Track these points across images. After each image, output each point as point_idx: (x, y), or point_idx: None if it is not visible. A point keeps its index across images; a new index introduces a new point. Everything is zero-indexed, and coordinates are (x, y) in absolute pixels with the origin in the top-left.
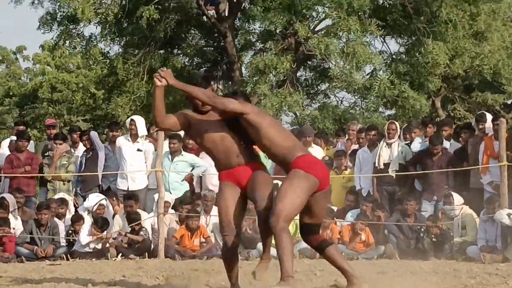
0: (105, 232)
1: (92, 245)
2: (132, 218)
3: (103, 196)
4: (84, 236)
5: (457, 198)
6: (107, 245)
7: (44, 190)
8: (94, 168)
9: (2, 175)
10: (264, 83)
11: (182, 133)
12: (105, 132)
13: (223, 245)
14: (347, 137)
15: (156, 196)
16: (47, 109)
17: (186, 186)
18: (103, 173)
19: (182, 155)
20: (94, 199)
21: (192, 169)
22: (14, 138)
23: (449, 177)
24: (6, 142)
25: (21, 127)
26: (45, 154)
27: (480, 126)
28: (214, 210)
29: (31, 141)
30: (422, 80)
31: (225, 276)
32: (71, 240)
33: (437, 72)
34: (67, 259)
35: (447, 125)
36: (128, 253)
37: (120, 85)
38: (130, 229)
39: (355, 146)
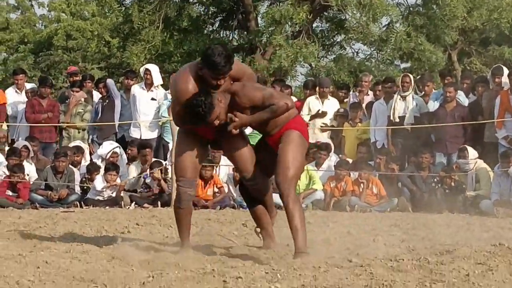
0: (118, 180)
1: (106, 194)
2: (152, 167)
3: (117, 144)
4: (99, 182)
5: (472, 152)
6: (122, 193)
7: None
8: (111, 116)
9: (14, 124)
10: (279, 34)
11: None
12: (119, 81)
13: (176, 197)
14: (359, 89)
15: (170, 145)
16: (62, 56)
17: None
18: (119, 123)
19: None
20: (108, 146)
21: None
22: (29, 85)
23: (464, 130)
24: (11, 90)
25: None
26: (63, 102)
27: (496, 80)
28: (223, 160)
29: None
30: (439, 33)
31: (238, 225)
32: (85, 187)
33: (454, 25)
34: (81, 207)
35: (468, 78)
36: (142, 202)
37: (135, 33)
38: (149, 177)
39: (368, 98)
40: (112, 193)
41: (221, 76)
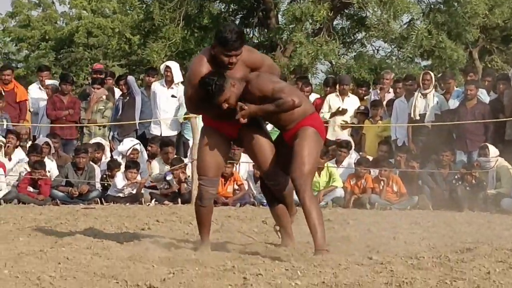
0: (139, 177)
1: (126, 191)
2: (173, 164)
3: (137, 141)
4: (120, 180)
5: (493, 150)
6: (142, 190)
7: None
8: (131, 113)
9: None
10: (300, 31)
11: None
12: (140, 78)
13: (198, 195)
14: (380, 86)
15: (190, 142)
16: (83, 53)
17: None
18: (139, 121)
19: None
20: (128, 143)
21: None
22: (50, 82)
23: (485, 128)
24: (34, 86)
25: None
26: (85, 99)
27: None
28: (244, 157)
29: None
30: (460, 30)
31: (258, 222)
32: (106, 184)
33: (476, 22)
34: (101, 203)
35: (489, 76)
36: (162, 199)
37: (155, 31)
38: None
39: (389, 96)
40: (132, 190)
41: (232, 52)
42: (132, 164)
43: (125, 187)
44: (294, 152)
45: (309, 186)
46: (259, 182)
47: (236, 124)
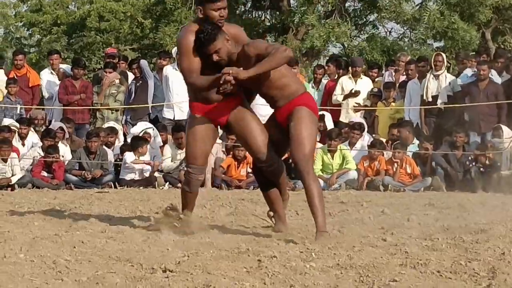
0: (148, 156)
1: (137, 170)
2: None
3: (151, 125)
4: (129, 156)
5: (506, 131)
6: (156, 173)
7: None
8: (144, 97)
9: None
10: (312, 13)
11: None
12: (152, 62)
13: (186, 182)
14: (395, 68)
15: None
16: (95, 38)
17: None
18: (152, 105)
19: None
20: (141, 126)
21: None
22: (63, 66)
23: (498, 109)
24: (46, 71)
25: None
26: (97, 83)
27: None
28: None
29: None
30: (473, 11)
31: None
32: (119, 169)
33: (488, 3)
34: (115, 187)
35: (501, 57)
36: (176, 182)
37: (167, 14)
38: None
39: (402, 78)
40: (145, 172)
41: (219, 3)
42: (140, 141)
43: (135, 164)
44: (293, 135)
45: (311, 168)
46: None
47: (226, 108)
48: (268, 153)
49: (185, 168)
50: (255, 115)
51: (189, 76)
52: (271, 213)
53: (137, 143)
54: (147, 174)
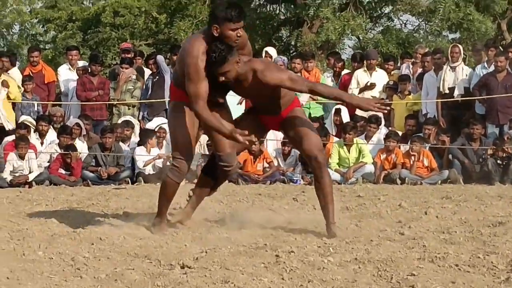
0: (157, 150)
1: (151, 168)
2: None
3: (166, 120)
4: (140, 149)
5: None
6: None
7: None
8: (161, 92)
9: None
10: (327, 7)
11: None
12: (167, 57)
13: (174, 173)
14: (413, 60)
15: None
16: (110, 33)
17: (242, 109)
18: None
19: None
20: (157, 121)
21: None
22: (81, 63)
23: None
24: (64, 67)
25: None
26: (114, 79)
27: None
28: (271, 134)
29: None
30: (488, 2)
31: (289, 199)
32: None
33: None
34: (132, 183)
35: None
36: (192, 177)
37: (182, 9)
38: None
39: (420, 70)
40: (157, 164)
41: (238, 24)
42: (149, 132)
43: (146, 155)
44: (303, 133)
45: (326, 161)
46: (288, 159)
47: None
48: (231, 153)
49: (174, 158)
50: (229, 110)
51: (195, 103)
52: (191, 193)
53: (145, 136)
54: (160, 165)
